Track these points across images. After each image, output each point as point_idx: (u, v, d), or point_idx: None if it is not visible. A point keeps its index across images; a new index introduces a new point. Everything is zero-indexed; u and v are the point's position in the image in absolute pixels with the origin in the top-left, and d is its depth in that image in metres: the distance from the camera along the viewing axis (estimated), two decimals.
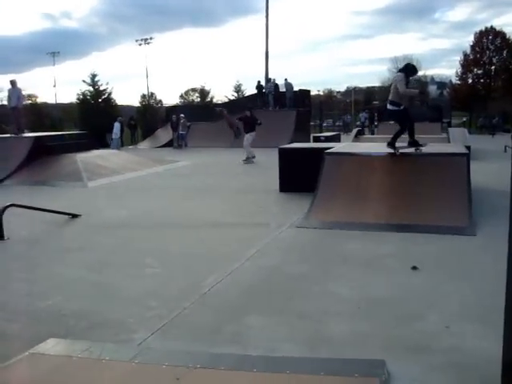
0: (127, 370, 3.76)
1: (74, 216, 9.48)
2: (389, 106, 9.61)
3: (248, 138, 18.74)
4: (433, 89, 75.10)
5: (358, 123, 39.22)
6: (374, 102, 47.46)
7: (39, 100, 61.33)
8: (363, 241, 7.30)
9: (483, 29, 60.84)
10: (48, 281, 6.05)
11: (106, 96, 36.31)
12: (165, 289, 5.64)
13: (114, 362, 3.90)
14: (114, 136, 27.82)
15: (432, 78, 76.80)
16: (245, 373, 3.66)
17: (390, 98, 9.56)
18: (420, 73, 70.64)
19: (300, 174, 11.19)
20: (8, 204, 8.35)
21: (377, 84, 78.45)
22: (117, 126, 27.77)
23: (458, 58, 69.86)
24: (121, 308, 5.13)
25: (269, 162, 14.74)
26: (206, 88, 65.51)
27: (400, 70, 9.87)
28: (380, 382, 3.43)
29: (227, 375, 3.64)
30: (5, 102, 18.07)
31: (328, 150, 10.36)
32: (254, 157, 18.78)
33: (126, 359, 3.91)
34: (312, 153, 11.23)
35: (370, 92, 78.16)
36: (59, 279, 6.09)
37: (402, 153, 9.34)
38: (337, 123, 48.39)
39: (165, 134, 29.81)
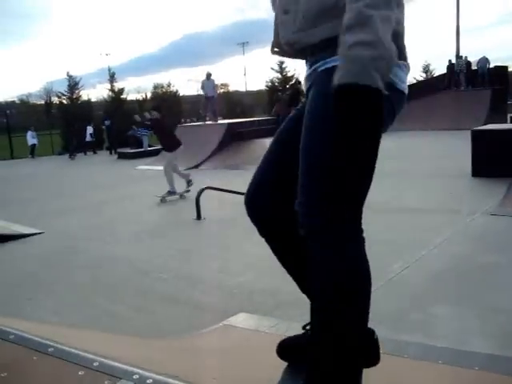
0: None
1: None
2: None
3: (169, 158, 11.51)
4: None
5: None
6: None
7: (231, 88, 64.96)
8: None
9: None
10: (240, 259, 6.44)
11: (293, 82, 37.17)
12: None
13: None
14: None
15: None
16: (430, 363, 3.55)
17: None
18: None
19: (496, 158, 10.41)
20: (204, 187, 9.02)
21: None
22: None
23: None
24: None
25: (459, 144, 13.94)
26: None
27: None
28: None
29: (411, 364, 3.56)
30: (201, 92, 19.60)
31: None
32: (180, 192, 11.60)
33: None
34: (510, 135, 10.38)
35: None
36: (250, 258, 6.45)
37: None
38: None
39: None
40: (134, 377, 2.07)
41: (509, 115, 25.05)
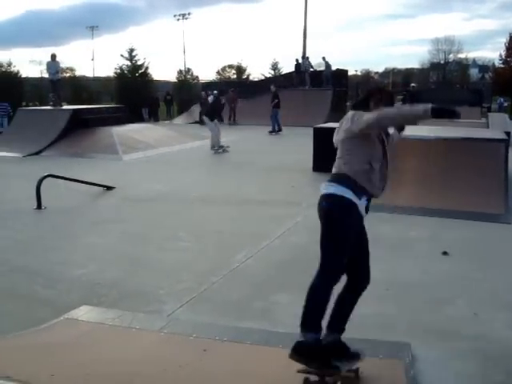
0: (156, 340, 3.86)
1: (109, 188, 9.64)
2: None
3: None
4: (474, 72, 73.19)
5: None
6: (412, 85, 46.46)
7: (77, 73, 61.91)
8: (394, 224, 7.25)
9: None
10: (82, 250, 6.21)
11: (143, 71, 36.42)
12: (196, 263, 5.73)
13: (143, 330, 4.01)
14: None
15: (474, 61, 74.73)
16: (271, 348, 3.73)
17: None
18: (461, 55, 68.48)
19: (334, 154, 11.08)
20: (46, 174, 8.55)
21: (416, 66, 76.73)
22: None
23: (504, 40, 66.33)
24: (152, 279, 5.24)
25: (303, 141, 14.67)
26: (243, 65, 65.23)
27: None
28: (404, 365, 3.45)
29: (253, 350, 3.71)
30: (45, 75, 18.50)
31: None
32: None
33: (155, 329, 4.02)
34: None
35: (408, 74, 76.34)
36: (93, 249, 6.24)
37: (437, 137, 9.19)
38: None
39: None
40: None
41: None
